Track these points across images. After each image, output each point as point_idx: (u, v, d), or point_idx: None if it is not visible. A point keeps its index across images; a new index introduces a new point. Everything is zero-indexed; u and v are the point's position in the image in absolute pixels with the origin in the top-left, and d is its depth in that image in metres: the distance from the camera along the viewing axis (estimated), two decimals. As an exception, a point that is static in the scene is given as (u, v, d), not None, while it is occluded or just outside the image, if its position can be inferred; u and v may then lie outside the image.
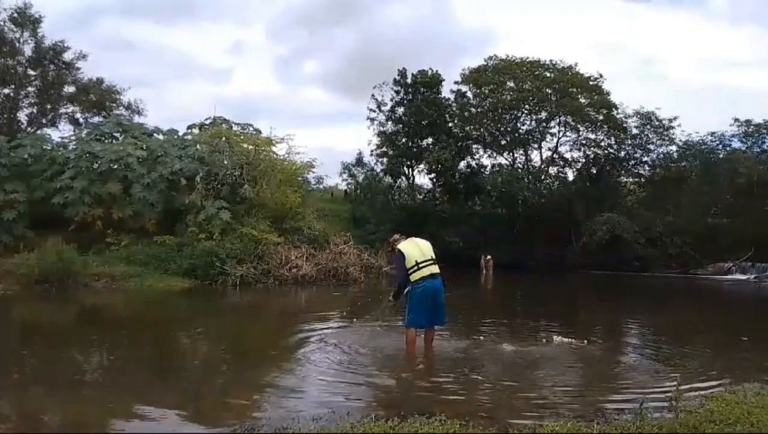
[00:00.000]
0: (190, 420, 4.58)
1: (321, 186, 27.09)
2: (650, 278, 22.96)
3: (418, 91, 28.89)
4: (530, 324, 10.32)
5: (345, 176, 30.77)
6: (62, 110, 26.13)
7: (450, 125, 29.29)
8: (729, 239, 23.74)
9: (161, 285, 14.69)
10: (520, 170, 29.14)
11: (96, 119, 24.34)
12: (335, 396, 5.13)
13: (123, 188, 16.83)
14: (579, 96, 27.66)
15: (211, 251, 15.49)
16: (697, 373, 6.15)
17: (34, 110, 25.72)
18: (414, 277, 6.61)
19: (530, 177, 28.64)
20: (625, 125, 27.92)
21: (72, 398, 5.25)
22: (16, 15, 23.77)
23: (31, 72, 24.98)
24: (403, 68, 29.10)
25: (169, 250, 15.99)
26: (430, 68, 29.26)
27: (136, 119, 24.65)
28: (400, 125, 28.98)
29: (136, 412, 4.74)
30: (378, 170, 29.99)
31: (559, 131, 29.06)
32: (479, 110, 28.92)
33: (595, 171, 29.32)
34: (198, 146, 18.10)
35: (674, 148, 28.06)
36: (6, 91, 24.81)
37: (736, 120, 26.46)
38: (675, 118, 27.43)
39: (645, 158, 28.80)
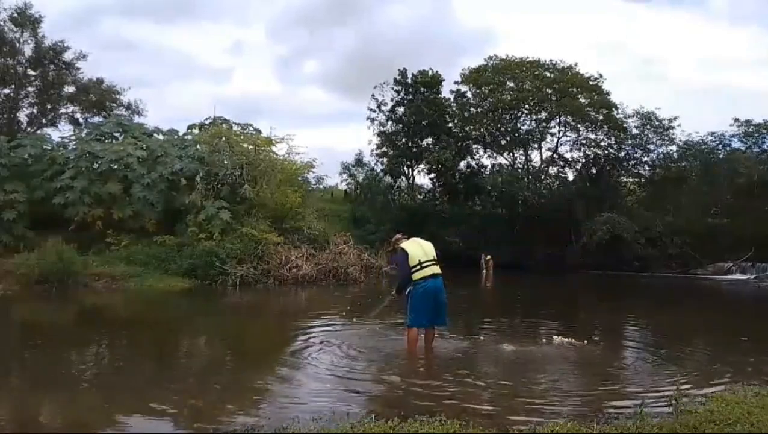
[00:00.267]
0: (190, 420, 4.58)
1: (321, 186, 27.16)
2: (650, 278, 22.96)
3: (419, 91, 28.92)
4: (530, 324, 10.33)
5: (345, 176, 30.83)
6: (62, 110, 26.19)
7: (450, 125, 29.31)
8: (729, 239, 23.75)
9: (161, 285, 14.69)
10: (520, 170, 29.17)
11: (96, 119, 24.36)
12: (335, 396, 5.13)
13: (123, 188, 16.83)
14: (579, 96, 27.69)
15: (211, 251, 15.49)
16: (697, 373, 6.14)
17: (34, 110, 25.76)
18: (416, 276, 6.62)
19: (530, 177, 28.67)
20: (625, 125, 27.97)
21: (72, 398, 5.25)
22: (16, 15, 23.79)
23: (31, 72, 25.00)
24: (404, 68, 29.19)
25: (169, 250, 15.99)
26: (430, 68, 29.39)
27: (136, 119, 24.72)
28: (400, 125, 29.00)
29: (136, 412, 4.73)
30: (378, 170, 30.04)
31: (559, 131, 29.14)
32: (479, 109, 28.95)
33: (595, 171, 29.34)
34: (198, 146, 18.10)
35: (674, 148, 28.17)
36: (6, 91, 24.84)
37: (736, 120, 26.57)
38: (675, 118, 27.56)
39: (645, 158, 28.88)
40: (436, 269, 6.72)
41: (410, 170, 29.88)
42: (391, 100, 29.19)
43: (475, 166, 30.08)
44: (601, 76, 27.98)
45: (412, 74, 29.06)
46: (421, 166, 29.68)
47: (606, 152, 28.81)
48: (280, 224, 17.52)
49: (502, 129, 29.37)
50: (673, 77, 52.36)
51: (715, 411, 4.18)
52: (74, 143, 18.58)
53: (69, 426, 4.53)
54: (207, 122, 19.95)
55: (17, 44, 24.24)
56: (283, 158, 18.69)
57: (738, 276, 22.84)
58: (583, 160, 29.41)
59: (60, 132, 26.55)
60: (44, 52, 24.47)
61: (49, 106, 25.72)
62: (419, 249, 6.75)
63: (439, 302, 6.72)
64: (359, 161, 30.49)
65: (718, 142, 27.37)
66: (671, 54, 58.90)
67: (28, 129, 24.73)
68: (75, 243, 15.03)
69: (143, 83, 60.42)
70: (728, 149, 27.00)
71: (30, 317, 11.34)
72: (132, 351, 7.86)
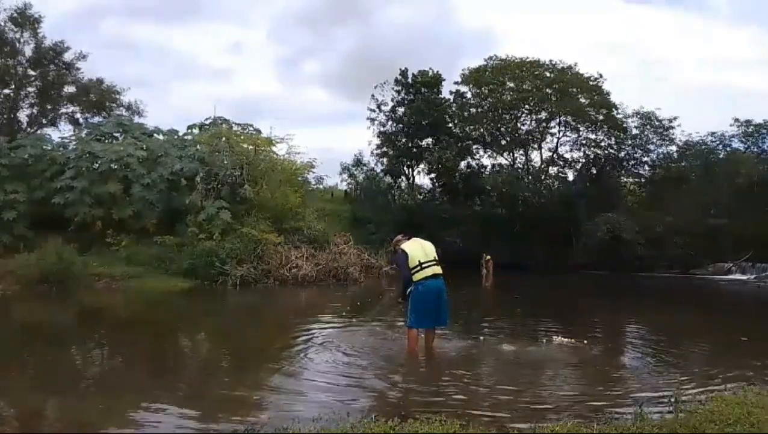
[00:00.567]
0: (190, 421, 4.58)
1: (321, 186, 27.06)
2: (650, 278, 22.94)
3: (419, 91, 28.89)
4: (530, 324, 10.32)
5: (345, 176, 30.79)
6: (62, 110, 26.17)
7: (450, 125, 29.29)
8: (729, 239, 23.73)
9: (161, 285, 14.70)
10: (520, 170, 29.15)
11: (96, 119, 24.36)
12: (335, 396, 5.13)
13: (123, 188, 16.85)
14: (579, 96, 27.69)
15: (211, 251, 15.50)
16: (697, 373, 6.15)
17: (34, 110, 25.76)
18: (417, 277, 6.61)
19: (530, 177, 28.64)
20: (625, 125, 27.98)
21: (72, 398, 5.25)
22: (16, 15, 23.78)
23: (31, 72, 24.99)
24: (405, 68, 29.14)
25: (169, 250, 16.01)
26: (431, 68, 29.31)
27: (136, 119, 24.67)
28: (401, 125, 28.97)
29: (137, 412, 4.74)
30: (378, 170, 30.01)
31: (559, 131, 29.13)
32: (479, 110, 28.94)
33: (595, 171, 29.33)
34: (198, 146, 18.12)
35: (674, 148, 28.16)
36: (6, 91, 24.83)
37: (736, 120, 26.55)
38: (675, 118, 27.56)
39: (645, 158, 28.86)
40: (437, 270, 6.71)
41: (410, 170, 29.86)
42: (392, 100, 29.18)
43: (475, 166, 30.06)
44: (601, 76, 28.02)
45: (413, 74, 29.05)
46: (421, 166, 29.66)
47: (606, 152, 28.83)
48: (280, 224, 17.53)
49: (502, 129, 29.37)
50: (673, 77, 52.27)
51: (715, 411, 4.18)
52: (74, 143, 18.61)
53: (69, 425, 4.53)
54: (207, 122, 19.98)
55: (17, 44, 24.24)
56: (283, 158, 18.73)
57: (738, 276, 22.80)
58: (583, 160, 29.42)
59: (60, 132, 26.49)
60: (44, 52, 24.46)
61: (49, 107, 25.71)
62: (420, 250, 6.74)
63: (440, 303, 6.71)
64: (359, 161, 30.46)
65: (718, 142, 27.38)
66: (671, 54, 58.73)
67: (28, 129, 24.74)
68: (75, 243, 15.06)
69: (144, 83, 60.25)
70: (728, 149, 26.99)
71: (30, 317, 11.34)
72: (132, 351, 7.85)
